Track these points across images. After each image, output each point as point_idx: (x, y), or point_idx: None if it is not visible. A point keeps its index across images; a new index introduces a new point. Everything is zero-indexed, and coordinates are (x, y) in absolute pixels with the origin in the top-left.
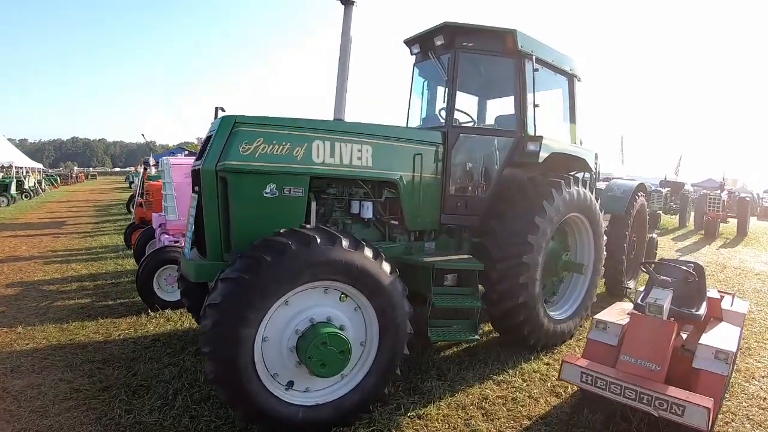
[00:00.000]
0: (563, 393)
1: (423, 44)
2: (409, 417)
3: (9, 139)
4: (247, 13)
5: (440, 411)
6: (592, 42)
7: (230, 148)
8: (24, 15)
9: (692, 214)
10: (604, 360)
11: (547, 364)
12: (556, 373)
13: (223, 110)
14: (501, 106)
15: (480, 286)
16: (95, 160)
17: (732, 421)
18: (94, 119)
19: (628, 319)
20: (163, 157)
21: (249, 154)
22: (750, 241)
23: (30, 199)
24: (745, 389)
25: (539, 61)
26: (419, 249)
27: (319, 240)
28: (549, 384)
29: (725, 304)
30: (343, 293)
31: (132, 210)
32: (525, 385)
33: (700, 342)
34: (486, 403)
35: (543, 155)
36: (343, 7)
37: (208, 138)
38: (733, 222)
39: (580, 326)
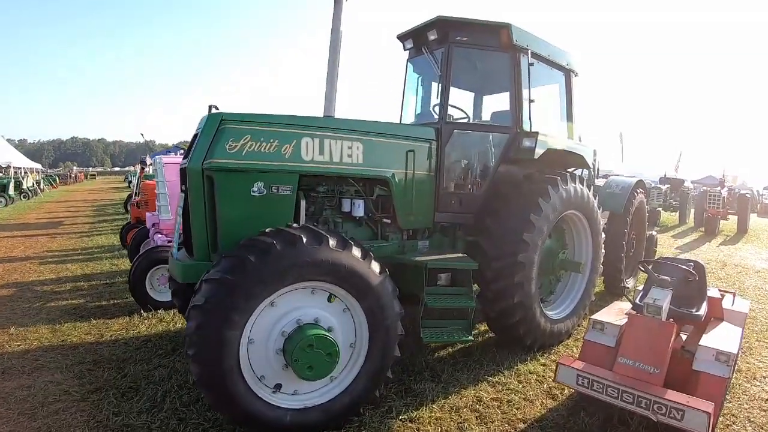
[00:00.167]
0: (560, 395)
1: (416, 39)
2: (400, 420)
3: (8, 140)
4: (247, 13)
5: (433, 414)
6: (590, 36)
7: (216, 146)
8: (24, 15)
9: (692, 211)
10: (602, 362)
11: (544, 365)
12: (552, 374)
13: (216, 108)
14: (499, 103)
15: (475, 285)
16: (95, 160)
17: (733, 423)
18: (93, 119)
19: (626, 320)
20: (156, 156)
21: (236, 152)
22: (750, 238)
23: (28, 199)
24: (747, 390)
25: (535, 55)
26: (412, 248)
27: (305, 239)
28: (545, 386)
29: (726, 303)
30: (331, 294)
31: (129, 209)
32: (521, 386)
33: (700, 343)
34: (480, 405)
35: (539, 151)
36: (333, 2)
37: (195, 136)
38: (733, 219)
39: (578, 326)
